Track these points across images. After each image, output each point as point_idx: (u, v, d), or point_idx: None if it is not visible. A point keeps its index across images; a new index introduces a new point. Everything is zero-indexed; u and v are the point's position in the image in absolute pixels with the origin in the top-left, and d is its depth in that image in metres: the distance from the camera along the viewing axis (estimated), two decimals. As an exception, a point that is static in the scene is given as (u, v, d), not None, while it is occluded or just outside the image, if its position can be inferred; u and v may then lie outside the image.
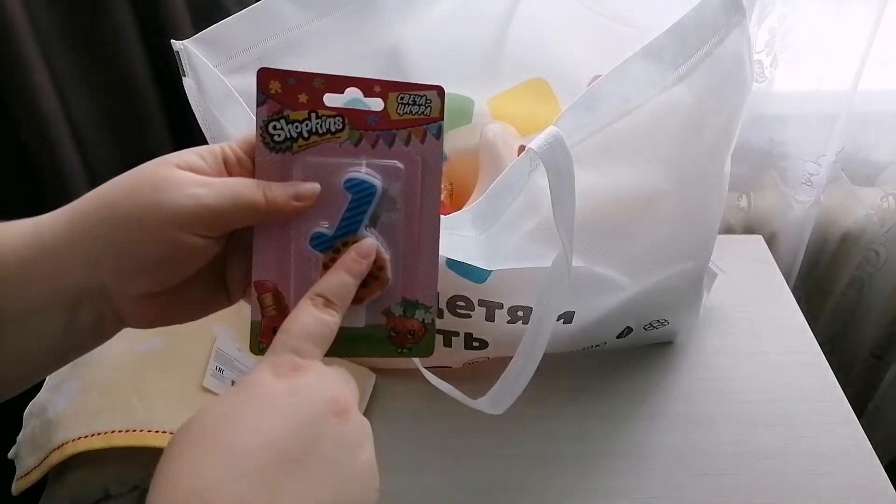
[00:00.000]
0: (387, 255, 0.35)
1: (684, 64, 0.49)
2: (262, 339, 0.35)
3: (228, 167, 0.33)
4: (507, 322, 0.57)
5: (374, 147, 0.34)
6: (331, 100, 0.34)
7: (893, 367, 0.99)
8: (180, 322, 0.35)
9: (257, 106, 0.33)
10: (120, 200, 0.31)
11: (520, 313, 0.57)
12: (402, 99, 0.34)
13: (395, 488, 0.59)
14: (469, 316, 0.57)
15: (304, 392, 0.30)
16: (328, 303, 0.32)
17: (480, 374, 0.55)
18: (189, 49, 0.53)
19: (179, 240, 0.31)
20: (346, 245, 0.34)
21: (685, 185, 0.53)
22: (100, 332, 0.33)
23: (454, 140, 0.68)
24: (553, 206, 0.44)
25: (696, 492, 0.58)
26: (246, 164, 0.34)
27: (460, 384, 0.54)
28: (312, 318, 0.32)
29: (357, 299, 0.34)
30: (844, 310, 0.99)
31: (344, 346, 0.34)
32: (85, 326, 0.32)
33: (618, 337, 0.65)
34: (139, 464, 0.53)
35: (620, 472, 0.60)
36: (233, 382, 0.57)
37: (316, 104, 0.33)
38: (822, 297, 0.99)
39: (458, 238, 0.48)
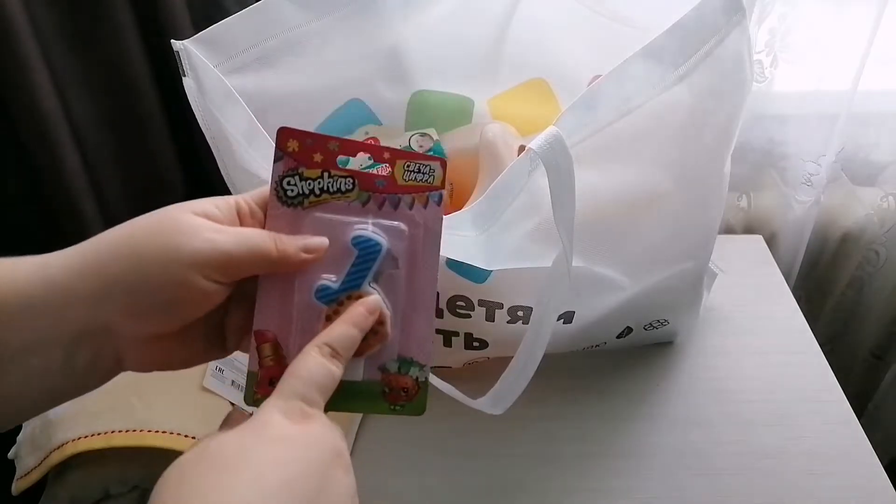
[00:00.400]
0: (388, 311, 0.36)
1: (684, 64, 0.49)
2: (257, 390, 0.36)
3: (241, 218, 0.35)
4: (507, 322, 0.57)
5: (380, 208, 0.36)
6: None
7: (893, 367, 0.99)
8: (175, 369, 0.36)
9: (274, 162, 0.35)
10: (140, 238, 0.32)
11: (520, 313, 0.57)
12: (408, 167, 0.36)
13: (395, 488, 0.59)
14: (469, 316, 0.57)
15: (315, 441, 0.30)
16: (335, 353, 0.33)
17: (480, 374, 0.55)
18: (189, 49, 0.52)
19: (193, 282, 0.32)
20: (350, 299, 0.36)
21: (685, 185, 0.53)
22: (96, 373, 0.33)
23: (454, 140, 0.68)
24: (553, 206, 0.44)
25: (696, 492, 0.58)
26: (258, 217, 0.36)
27: (460, 384, 0.54)
28: (319, 366, 0.33)
29: (357, 353, 0.35)
30: (844, 310, 0.99)
31: (339, 400, 0.35)
32: (82, 365, 0.32)
33: (618, 337, 0.65)
34: (139, 464, 0.53)
35: (620, 472, 0.60)
36: (232, 382, 0.57)
37: (329, 164, 0.35)
38: (822, 297, 0.99)
39: (458, 238, 0.48)
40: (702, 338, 0.72)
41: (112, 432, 0.52)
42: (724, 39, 0.49)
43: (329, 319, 0.35)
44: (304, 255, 0.35)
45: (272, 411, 0.31)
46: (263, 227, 0.35)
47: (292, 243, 0.35)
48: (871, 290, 0.96)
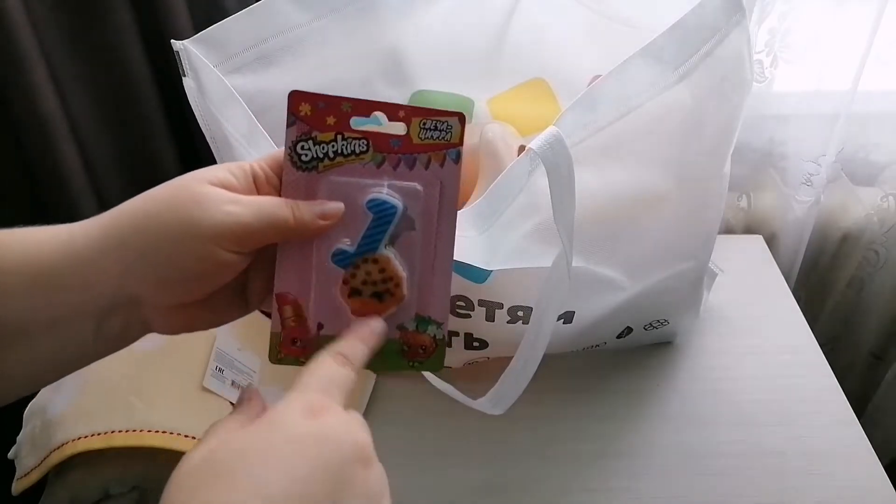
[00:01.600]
0: (403, 273, 0.36)
1: (684, 64, 0.49)
2: (281, 348, 0.37)
3: (257, 184, 0.35)
4: (507, 322, 0.57)
5: (395, 169, 0.36)
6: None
7: (893, 367, 0.99)
8: (202, 329, 0.36)
9: (287, 126, 0.34)
10: (159, 212, 0.32)
11: (520, 313, 0.57)
12: (424, 124, 0.36)
13: (395, 488, 0.59)
14: (469, 316, 0.57)
15: (332, 436, 0.30)
16: (346, 360, 0.34)
17: (480, 374, 0.55)
18: (189, 49, 0.53)
19: (214, 255, 0.32)
20: (366, 262, 0.36)
21: (685, 185, 0.53)
22: (126, 338, 0.35)
23: (454, 140, 0.68)
24: (553, 206, 0.44)
25: (696, 492, 0.58)
26: (273, 182, 0.35)
27: (460, 384, 0.54)
28: (335, 368, 0.33)
29: (375, 313, 0.36)
30: (844, 310, 0.99)
31: None
32: (113, 332, 0.34)
33: (618, 337, 0.65)
34: (139, 464, 0.53)
35: (620, 472, 0.60)
36: (233, 383, 0.57)
37: (343, 126, 0.35)
38: (822, 297, 0.99)
39: (458, 238, 0.48)
40: (702, 338, 0.72)
41: (112, 432, 0.52)
42: (724, 39, 0.49)
43: (346, 282, 0.36)
44: (321, 222, 0.35)
45: (289, 407, 0.31)
46: (279, 193, 0.35)
47: (309, 210, 0.35)
48: (871, 290, 0.96)
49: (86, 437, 0.52)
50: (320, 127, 0.35)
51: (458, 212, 0.48)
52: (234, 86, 0.52)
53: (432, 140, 0.36)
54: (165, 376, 0.56)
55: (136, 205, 0.33)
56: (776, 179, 0.90)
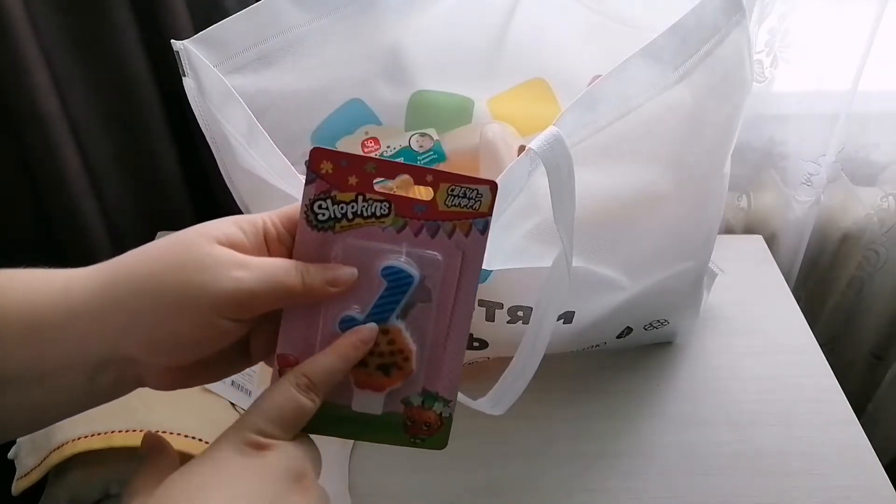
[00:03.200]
0: (413, 347, 0.34)
1: (684, 64, 0.49)
2: None
3: (268, 241, 0.33)
4: (507, 322, 0.57)
5: (416, 236, 0.34)
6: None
7: (893, 367, 0.99)
8: (201, 384, 0.35)
9: (306, 184, 0.33)
10: (160, 273, 0.31)
11: (520, 313, 0.57)
12: (452, 191, 0.33)
13: (395, 489, 0.59)
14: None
15: (268, 470, 0.30)
16: (310, 386, 0.32)
17: (480, 374, 0.55)
18: (189, 49, 0.52)
19: (214, 323, 0.31)
20: (379, 328, 0.34)
21: (685, 185, 0.53)
22: (118, 392, 0.33)
23: (454, 140, 0.68)
24: (553, 206, 0.44)
25: (696, 492, 0.58)
26: (285, 241, 0.34)
27: (460, 384, 0.54)
28: (288, 399, 0.32)
29: (378, 387, 0.34)
30: (844, 310, 0.99)
31: (357, 430, 0.35)
32: (104, 387, 0.32)
33: (618, 337, 0.65)
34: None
35: (620, 472, 0.60)
36: (233, 383, 0.57)
37: (365, 187, 0.33)
38: (822, 297, 0.99)
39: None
40: (702, 338, 0.72)
41: (112, 432, 0.52)
42: (724, 39, 0.49)
43: None
44: (332, 289, 0.33)
45: (224, 445, 0.30)
46: (290, 251, 0.34)
47: (320, 276, 0.33)
48: (871, 290, 0.96)
49: (86, 437, 0.52)
50: (341, 186, 0.33)
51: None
52: (234, 86, 0.52)
53: (459, 208, 0.33)
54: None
55: (138, 261, 0.31)
56: (776, 179, 0.90)
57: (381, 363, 0.34)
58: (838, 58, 0.79)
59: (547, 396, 0.65)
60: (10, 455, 0.56)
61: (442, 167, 0.67)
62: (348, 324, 0.34)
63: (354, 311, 0.34)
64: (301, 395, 0.32)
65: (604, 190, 0.50)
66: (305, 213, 0.33)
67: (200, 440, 0.52)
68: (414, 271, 0.34)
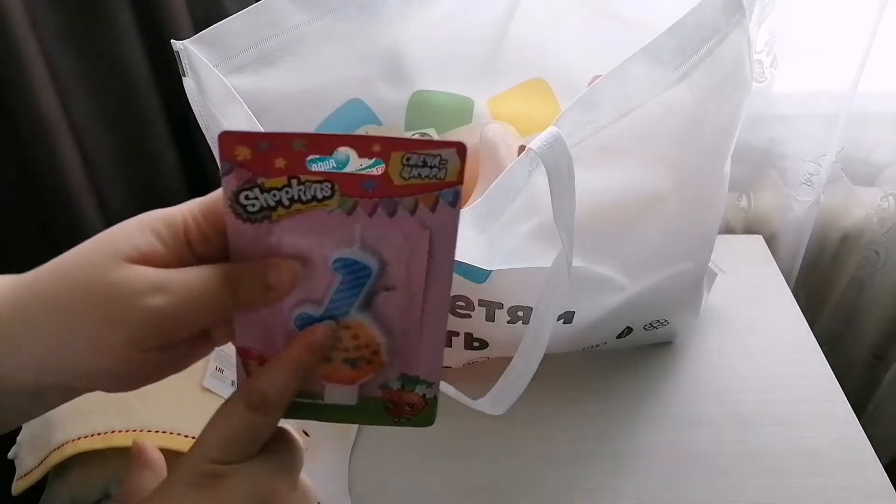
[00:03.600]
0: (381, 339, 0.31)
1: (684, 64, 0.49)
2: None
3: (193, 244, 0.28)
4: (507, 322, 0.57)
5: (371, 216, 0.28)
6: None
7: (893, 367, 0.99)
8: (165, 377, 0.31)
9: (222, 175, 0.27)
10: (69, 309, 0.27)
11: (520, 313, 0.57)
12: (408, 160, 0.27)
13: (394, 489, 0.59)
14: (469, 316, 0.57)
15: (227, 502, 0.27)
16: (264, 403, 0.29)
17: (480, 375, 0.55)
18: (189, 49, 0.52)
19: (137, 357, 0.27)
20: (338, 324, 0.30)
21: (685, 185, 0.53)
22: (69, 399, 0.30)
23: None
24: (553, 206, 0.44)
25: (696, 492, 0.58)
26: (213, 240, 0.29)
27: (460, 384, 0.54)
28: (242, 421, 0.28)
29: (347, 381, 0.31)
30: (844, 310, 0.99)
31: (337, 415, 0.32)
32: (54, 402, 0.30)
33: (618, 337, 0.65)
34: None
35: (620, 472, 0.60)
36: (232, 383, 0.57)
37: (297, 169, 0.27)
38: (822, 297, 0.99)
39: (458, 238, 0.48)
40: (702, 338, 0.72)
41: (112, 432, 0.52)
42: (724, 39, 0.49)
43: None
44: (272, 295, 0.28)
45: (176, 483, 0.28)
46: (223, 251, 0.29)
47: (255, 285, 0.28)
48: (871, 290, 0.96)
49: (86, 437, 0.52)
50: (267, 172, 0.27)
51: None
52: (234, 86, 0.52)
53: (420, 179, 0.28)
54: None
55: (45, 292, 0.27)
56: (776, 179, 0.90)
57: (346, 357, 0.31)
58: (838, 58, 0.79)
59: (547, 396, 0.65)
60: (10, 455, 0.56)
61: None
62: (305, 321, 0.30)
63: (309, 308, 0.30)
64: (255, 416, 0.28)
65: (604, 190, 0.50)
66: (231, 206, 0.28)
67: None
68: (370, 260, 0.29)
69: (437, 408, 0.33)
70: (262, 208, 0.28)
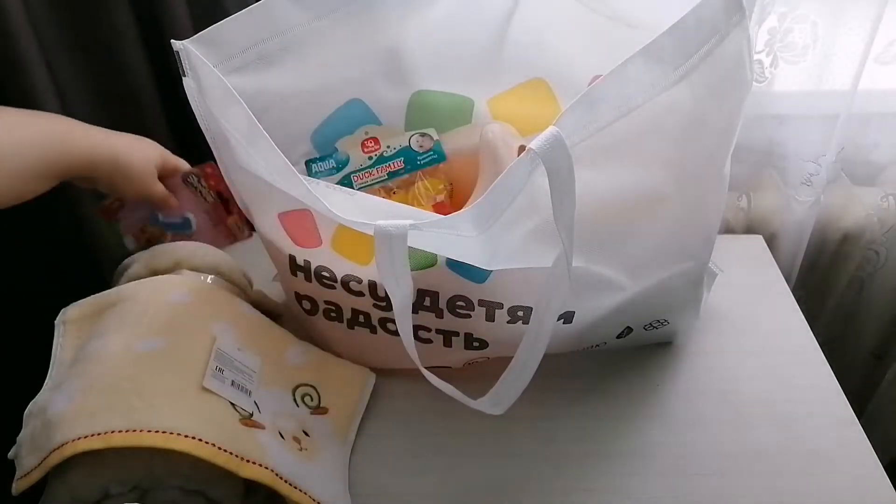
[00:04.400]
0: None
1: (684, 64, 0.49)
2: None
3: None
4: (507, 322, 0.57)
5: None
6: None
7: (893, 367, 0.99)
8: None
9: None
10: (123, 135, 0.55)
11: (520, 313, 0.57)
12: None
13: (394, 489, 0.59)
14: (469, 316, 0.57)
15: None
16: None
17: (480, 374, 0.55)
18: (189, 49, 0.53)
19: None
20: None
21: (685, 186, 0.53)
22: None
23: (454, 140, 0.68)
24: (553, 206, 0.44)
25: (696, 492, 0.58)
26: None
27: (460, 384, 0.54)
28: None
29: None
30: (844, 310, 0.99)
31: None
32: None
33: (618, 337, 0.65)
34: (139, 464, 0.53)
35: (620, 472, 0.60)
36: (232, 382, 0.57)
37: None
38: (822, 297, 0.99)
39: (458, 238, 0.48)
40: (702, 338, 0.72)
41: (112, 432, 0.52)
42: (724, 39, 0.49)
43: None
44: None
45: None
46: None
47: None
48: (871, 290, 0.96)
49: (86, 437, 0.52)
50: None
51: (459, 212, 0.48)
52: (234, 86, 0.52)
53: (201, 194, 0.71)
54: (165, 376, 0.56)
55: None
56: (776, 179, 0.90)
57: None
58: (838, 58, 0.79)
59: (547, 396, 0.65)
60: (10, 455, 0.56)
61: (442, 167, 0.67)
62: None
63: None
64: None
65: (604, 190, 0.50)
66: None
67: (201, 440, 0.52)
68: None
69: None
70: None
